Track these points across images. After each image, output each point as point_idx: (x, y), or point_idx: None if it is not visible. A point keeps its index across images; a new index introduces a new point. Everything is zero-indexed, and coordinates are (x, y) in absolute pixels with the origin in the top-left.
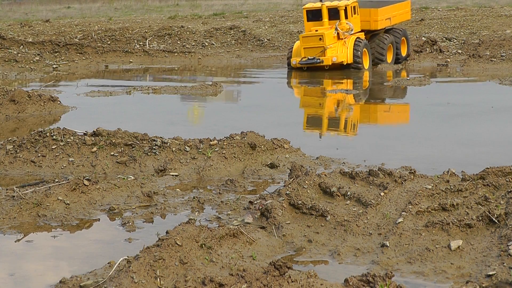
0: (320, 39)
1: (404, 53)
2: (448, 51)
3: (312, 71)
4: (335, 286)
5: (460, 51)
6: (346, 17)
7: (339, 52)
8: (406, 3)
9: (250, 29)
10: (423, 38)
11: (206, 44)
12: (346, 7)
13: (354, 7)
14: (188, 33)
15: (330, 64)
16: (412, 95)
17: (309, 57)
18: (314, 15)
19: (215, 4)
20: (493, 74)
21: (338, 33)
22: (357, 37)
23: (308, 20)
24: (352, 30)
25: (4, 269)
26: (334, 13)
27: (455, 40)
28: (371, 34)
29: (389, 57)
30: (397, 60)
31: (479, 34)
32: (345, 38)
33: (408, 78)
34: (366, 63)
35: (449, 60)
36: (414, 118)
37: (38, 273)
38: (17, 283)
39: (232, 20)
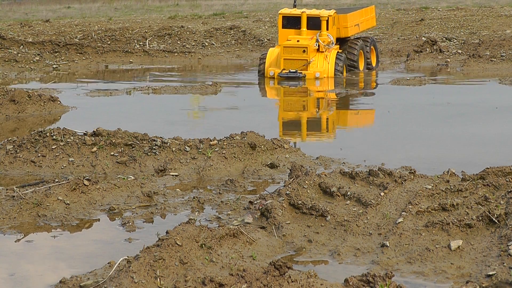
0: (304, 51)
1: (374, 63)
2: (448, 51)
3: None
4: (335, 286)
5: (460, 51)
6: (327, 28)
7: (320, 67)
8: (371, 9)
9: (250, 29)
10: (423, 38)
11: (206, 44)
12: (328, 18)
13: (334, 18)
14: (188, 33)
15: (313, 78)
16: (412, 95)
17: (291, 70)
18: (291, 22)
19: (215, 4)
20: (493, 74)
21: (318, 45)
22: (338, 52)
23: (283, 27)
24: (333, 43)
25: (4, 269)
26: (314, 23)
27: (455, 40)
28: (339, 42)
29: (361, 64)
30: (368, 69)
31: (479, 34)
32: (326, 51)
33: (408, 78)
34: (344, 74)
35: (449, 60)
36: (414, 118)
37: (38, 273)
38: (17, 283)
39: (232, 20)
